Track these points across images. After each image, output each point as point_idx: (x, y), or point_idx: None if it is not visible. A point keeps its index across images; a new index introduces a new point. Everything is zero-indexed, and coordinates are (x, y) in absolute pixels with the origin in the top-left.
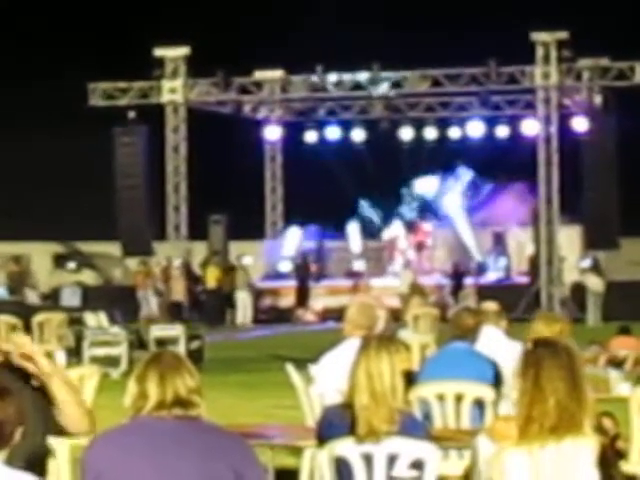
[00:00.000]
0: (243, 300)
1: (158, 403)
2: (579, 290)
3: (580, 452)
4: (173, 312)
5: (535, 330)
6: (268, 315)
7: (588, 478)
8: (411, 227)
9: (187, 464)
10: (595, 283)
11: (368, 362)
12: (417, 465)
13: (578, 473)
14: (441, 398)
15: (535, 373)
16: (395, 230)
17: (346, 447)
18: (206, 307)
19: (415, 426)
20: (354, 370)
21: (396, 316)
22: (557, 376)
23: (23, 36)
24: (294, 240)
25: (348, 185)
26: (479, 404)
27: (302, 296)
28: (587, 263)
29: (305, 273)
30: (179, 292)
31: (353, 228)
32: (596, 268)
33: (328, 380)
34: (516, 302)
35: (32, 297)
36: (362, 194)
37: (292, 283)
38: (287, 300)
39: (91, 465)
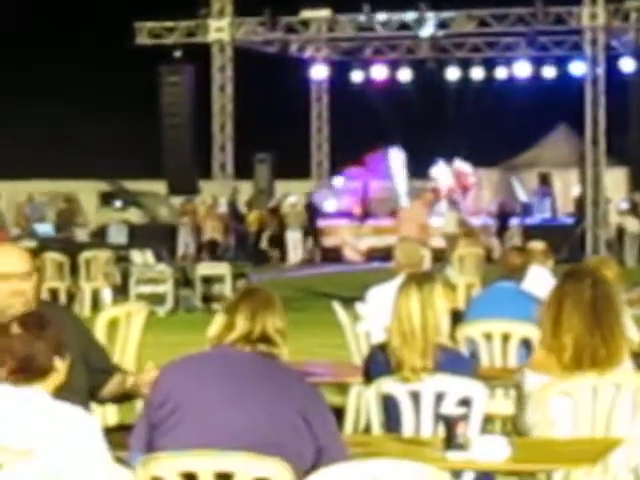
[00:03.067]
0: (294, 240)
1: (244, 335)
2: (619, 232)
3: (622, 388)
4: (215, 251)
5: None
6: (314, 254)
7: (630, 414)
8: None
9: (255, 398)
10: (633, 224)
11: (398, 304)
12: (465, 403)
13: (619, 408)
14: (488, 337)
15: (557, 307)
16: (440, 170)
17: (393, 385)
18: (250, 246)
19: (461, 363)
20: (392, 311)
21: (439, 256)
22: (577, 312)
23: None
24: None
25: (394, 125)
26: (526, 343)
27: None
28: (625, 205)
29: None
30: (222, 231)
31: (398, 167)
32: (634, 210)
33: (375, 318)
34: (561, 243)
35: (81, 235)
36: (408, 134)
37: (337, 222)
38: (332, 239)
39: (162, 384)
